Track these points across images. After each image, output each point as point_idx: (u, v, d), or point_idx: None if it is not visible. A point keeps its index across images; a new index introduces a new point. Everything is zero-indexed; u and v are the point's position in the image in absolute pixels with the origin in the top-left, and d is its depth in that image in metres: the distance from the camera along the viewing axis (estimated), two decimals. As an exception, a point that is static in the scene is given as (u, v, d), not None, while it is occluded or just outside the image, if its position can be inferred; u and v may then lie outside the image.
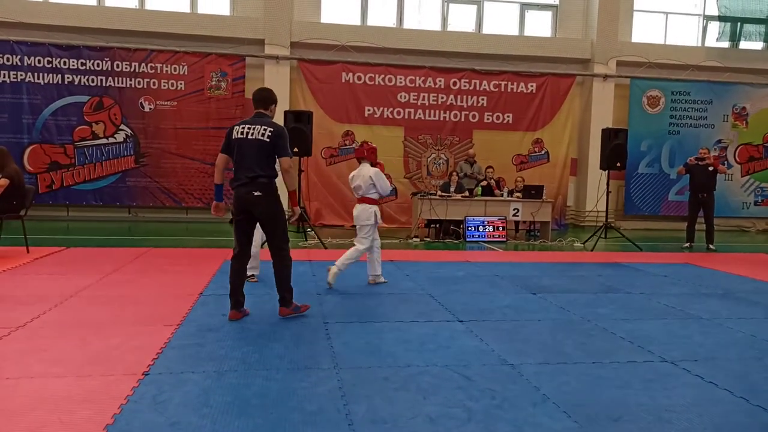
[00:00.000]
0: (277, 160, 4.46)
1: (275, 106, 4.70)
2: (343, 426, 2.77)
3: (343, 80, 11.96)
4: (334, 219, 11.72)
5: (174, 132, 11.74)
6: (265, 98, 4.63)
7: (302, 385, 3.27)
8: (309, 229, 9.36)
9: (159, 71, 11.63)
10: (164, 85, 11.67)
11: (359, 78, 12.02)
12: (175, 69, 11.68)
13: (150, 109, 11.67)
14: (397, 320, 4.70)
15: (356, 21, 12.45)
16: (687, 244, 9.77)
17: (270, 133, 4.39)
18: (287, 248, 4.64)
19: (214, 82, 11.76)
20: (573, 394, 3.27)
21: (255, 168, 4.38)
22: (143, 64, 11.57)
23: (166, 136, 11.74)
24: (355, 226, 6.05)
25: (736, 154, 13.28)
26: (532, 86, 12.54)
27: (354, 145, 11.87)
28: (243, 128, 4.45)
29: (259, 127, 4.42)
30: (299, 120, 9.07)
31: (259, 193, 4.39)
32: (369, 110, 12.08)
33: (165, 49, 11.60)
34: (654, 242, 10.50)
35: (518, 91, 12.53)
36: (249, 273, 5.21)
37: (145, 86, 11.63)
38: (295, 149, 8.85)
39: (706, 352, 4.09)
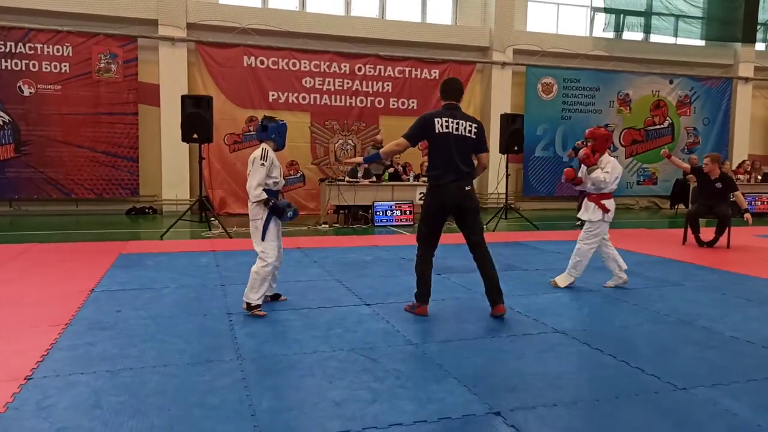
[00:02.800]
0: (475, 155, 4.40)
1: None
2: (246, 417, 2.71)
3: (245, 64, 11.60)
4: (240, 207, 11.39)
5: (59, 118, 10.86)
6: (460, 90, 4.48)
7: (203, 379, 3.16)
8: (213, 219, 9.03)
9: (39, 52, 10.69)
10: (46, 68, 10.75)
11: (262, 62, 11.70)
12: (57, 50, 10.78)
13: (30, 93, 10.72)
14: (305, 307, 4.66)
15: (257, 3, 12.08)
16: (578, 222, 10.41)
17: (476, 130, 4.34)
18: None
19: (102, 65, 10.98)
20: (473, 369, 3.41)
21: (464, 164, 4.31)
22: (21, 44, 10.59)
23: (50, 122, 10.84)
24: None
25: (621, 137, 14.32)
26: (435, 73, 12.80)
27: (258, 132, 11.60)
28: (447, 122, 4.28)
29: (465, 122, 4.31)
30: (198, 105, 8.68)
31: (470, 188, 4.36)
32: (273, 95, 11.82)
33: (46, 29, 10.67)
34: (549, 221, 11.13)
35: (422, 77, 12.74)
36: (278, 293, 4.83)
37: (24, 68, 10.66)
38: (195, 135, 8.50)
39: (593, 321, 4.41)
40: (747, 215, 7.59)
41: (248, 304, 4.40)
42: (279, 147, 4.53)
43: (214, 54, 11.48)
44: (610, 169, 5.22)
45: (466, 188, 4.33)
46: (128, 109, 11.19)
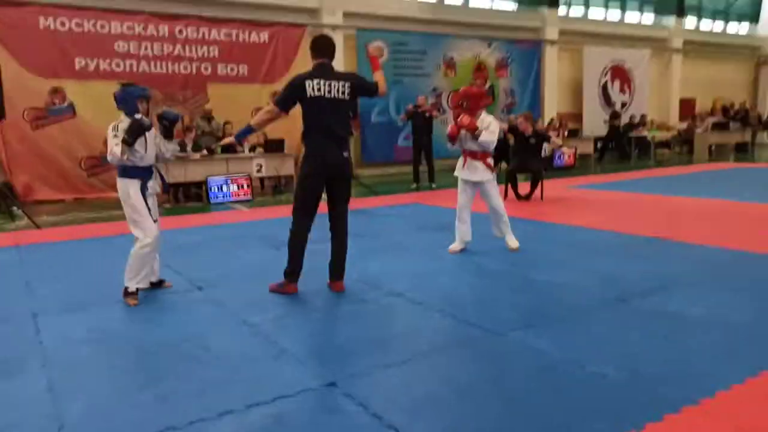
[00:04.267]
0: (373, 94, 4.25)
1: None
2: (52, 430, 2.41)
3: (42, 26, 10.09)
4: (50, 193, 10.04)
5: None
6: (331, 46, 4.18)
7: (1, 395, 2.75)
8: (15, 208, 7.88)
9: None
10: None
11: (63, 24, 10.28)
12: None
13: None
14: (127, 298, 4.27)
15: (51, -44, 10.53)
16: (414, 185, 10.89)
17: (349, 89, 4.08)
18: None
19: None
20: (309, 342, 3.39)
21: (340, 128, 4.11)
22: None
23: None
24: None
25: (449, 100, 15.08)
26: (264, 36, 12.28)
27: (65, 105, 10.30)
28: (318, 84, 4.00)
29: (337, 83, 4.04)
30: (-17, 75, 7.42)
31: (347, 154, 4.17)
32: (81, 62, 10.49)
33: None
34: (389, 185, 11.46)
35: (251, 41, 12.16)
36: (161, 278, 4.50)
37: None
38: (-18, 112, 7.29)
39: (423, 282, 4.56)
40: (554, 140, 9.27)
41: (125, 289, 4.12)
42: (129, 113, 4.04)
43: (0, 14, 9.84)
44: (494, 128, 5.26)
45: (344, 154, 4.15)
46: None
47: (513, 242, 5.53)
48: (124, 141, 3.93)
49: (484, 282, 4.53)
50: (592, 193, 9.44)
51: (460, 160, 5.51)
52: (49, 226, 7.43)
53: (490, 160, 5.45)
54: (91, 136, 10.47)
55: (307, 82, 4.03)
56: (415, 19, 14.21)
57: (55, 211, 8.82)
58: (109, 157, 4.01)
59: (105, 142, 4.15)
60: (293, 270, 4.28)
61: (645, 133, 16.31)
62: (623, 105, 17.62)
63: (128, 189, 4.07)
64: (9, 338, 3.52)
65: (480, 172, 5.37)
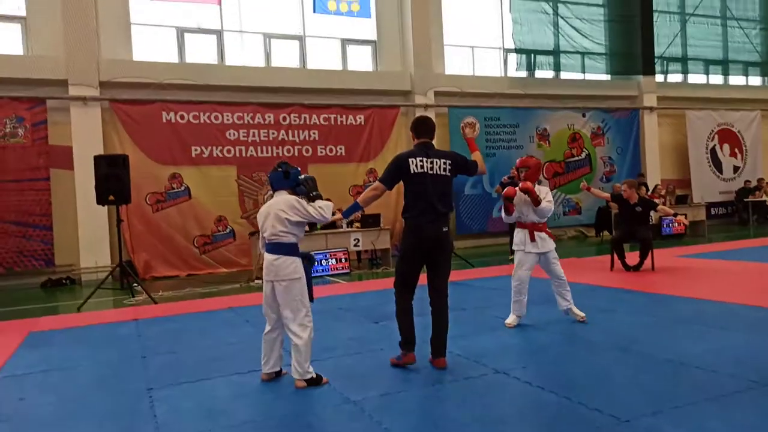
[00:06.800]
0: (472, 173, 4.45)
1: None
2: None
3: (164, 120, 11.25)
4: (167, 269, 10.82)
5: (-38, 189, 10.07)
6: (432, 126, 4.40)
7: (117, 469, 2.83)
8: (135, 284, 8.49)
9: (-63, 119, 9.96)
10: (-55, 136, 10.01)
11: (182, 117, 11.40)
12: (-43, 116, 10.08)
13: (-73, 163, 9.91)
14: (234, 372, 4.36)
15: (174, 58, 11.86)
16: (511, 257, 10.56)
17: (450, 166, 4.25)
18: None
19: (8, 130, 10.32)
20: (415, 421, 3.25)
21: (441, 204, 4.20)
22: None
23: (-48, 192, 10.02)
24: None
25: (544, 170, 14.84)
26: (360, 118, 12.90)
27: (182, 188, 11.22)
28: (422, 162, 4.18)
29: (438, 161, 4.22)
30: (113, 164, 8.26)
31: (446, 229, 4.25)
32: (196, 150, 11.49)
33: (-58, 94, 9.99)
34: (484, 257, 11.24)
35: (348, 123, 12.80)
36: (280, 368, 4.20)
37: None
38: (111, 197, 8.07)
39: (532, 357, 4.35)
40: (661, 207, 8.64)
41: (310, 380, 3.89)
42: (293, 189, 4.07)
43: (130, 111, 11.09)
44: (550, 198, 5.33)
45: (444, 229, 4.22)
46: (39, 174, 10.53)
47: (579, 313, 5.33)
48: (316, 197, 3.96)
49: (599, 359, 4.19)
50: (708, 263, 8.70)
51: (522, 235, 5.40)
52: (164, 302, 7.90)
53: (549, 230, 5.45)
54: (204, 216, 11.33)
55: (410, 160, 4.17)
56: (505, 94, 14.37)
57: (170, 286, 9.41)
58: (326, 215, 3.96)
59: (278, 218, 3.91)
60: (407, 340, 4.25)
61: (763, 197, 15.06)
62: (736, 169, 16.51)
63: (300, 268, 3.94)
64: (125, 411, 3.66)
65: (548, 242, 5.37)
